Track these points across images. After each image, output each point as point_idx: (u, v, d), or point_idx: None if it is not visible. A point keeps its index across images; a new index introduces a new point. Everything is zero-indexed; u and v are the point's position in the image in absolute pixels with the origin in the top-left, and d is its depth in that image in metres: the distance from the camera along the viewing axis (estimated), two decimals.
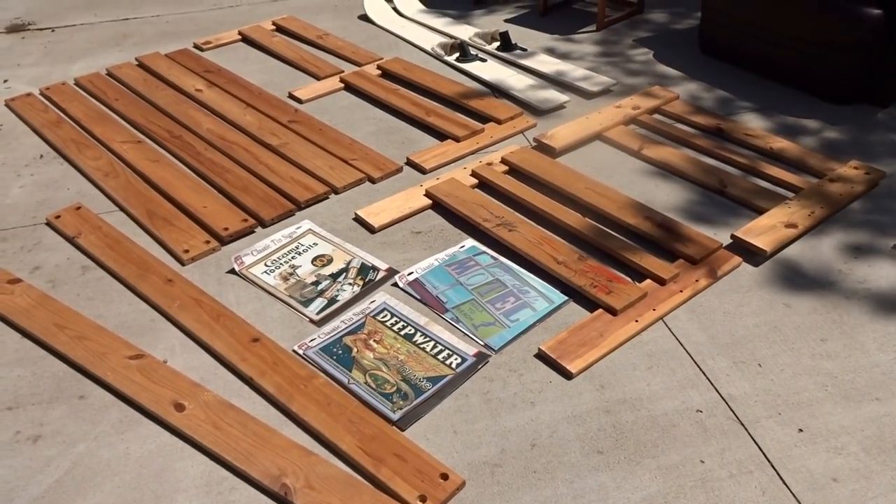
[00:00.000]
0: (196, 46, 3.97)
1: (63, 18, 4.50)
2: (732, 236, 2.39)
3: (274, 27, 4.15)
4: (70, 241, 2.55)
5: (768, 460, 1.75)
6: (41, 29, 4.37)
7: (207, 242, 2.49)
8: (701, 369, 1.99)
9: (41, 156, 3.07)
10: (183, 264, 2.42)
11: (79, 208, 2.68)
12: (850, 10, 2.97)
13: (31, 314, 2.21)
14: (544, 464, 1.75)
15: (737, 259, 2.34)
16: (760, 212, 2.53)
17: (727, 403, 1.89)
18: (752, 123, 3.07)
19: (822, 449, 1.77)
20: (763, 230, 2.39)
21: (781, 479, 1.70)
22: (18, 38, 4.24)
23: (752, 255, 2.35)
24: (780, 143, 2.88)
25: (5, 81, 3.71)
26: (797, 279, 2.28)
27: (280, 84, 3.54)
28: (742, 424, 1.84)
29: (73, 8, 4.67)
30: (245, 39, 4.04)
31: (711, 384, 1.94)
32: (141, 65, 3.75)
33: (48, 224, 2.65)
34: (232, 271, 2.38)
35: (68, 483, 1.76)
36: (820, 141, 2.94)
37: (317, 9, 4.44)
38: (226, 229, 2.52)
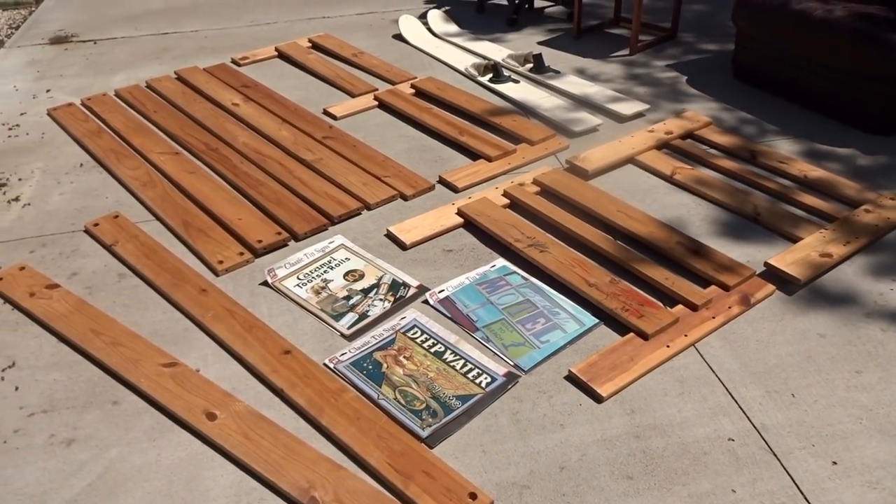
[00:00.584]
0: (233, 61, 4.04)
1: (105, 31, 4.62)
2: (766, 264, 2.38)
3: (310, 44, 4.22)
4: (107, 248, 2.60)
5: (801, 492, 1.72)
6: (84, 41, 4.48)
7: (241, 254, 2.52)
8: (733, 397, 1.97)
9: (81, 164, 3.14)
10: (217, 275, 2.46)
11: (116, 217, 2.73)
12: (886, 40, 2.96)
13: (69, 319, 2.25)
14: (573, 487, 1.74)
15: (770, 287, 2.32)
16: (794, 240, 2.51)
17: (759, 433, 1.87)
18: (786, 151, 3.05)
19: (856, 483, 1.74)
20: (797, 259, 2.37)
21: None
22: (62, 50, 4.35)
23: (785, 283, 2.34)
24: (814, 172, 2.86)
25: (48, 91, 3.81)
26: (832, 309, 2.26)
27: (315, 100, 3.59)
28: (774, 455, 1.81)
29: (115, 21, 4.79)
30: (281, 56, 4.11)
31: (744, 413, 1.93)
32: (180, 78, 3.83)
33: (86, 231, 2.70)
34: (265, 283, 2.41)
35: (100, 487, 1.78)
36: (854, 170, 2.92)
37: (352, 27, 4.51)
38: (259, 242, 2.56)
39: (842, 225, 2.54)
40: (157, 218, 2.75)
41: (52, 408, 2.00)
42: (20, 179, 3.05)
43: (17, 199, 2.91)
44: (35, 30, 4.71)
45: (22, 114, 3.58)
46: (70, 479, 1.80)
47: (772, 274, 2.36)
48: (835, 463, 1.79)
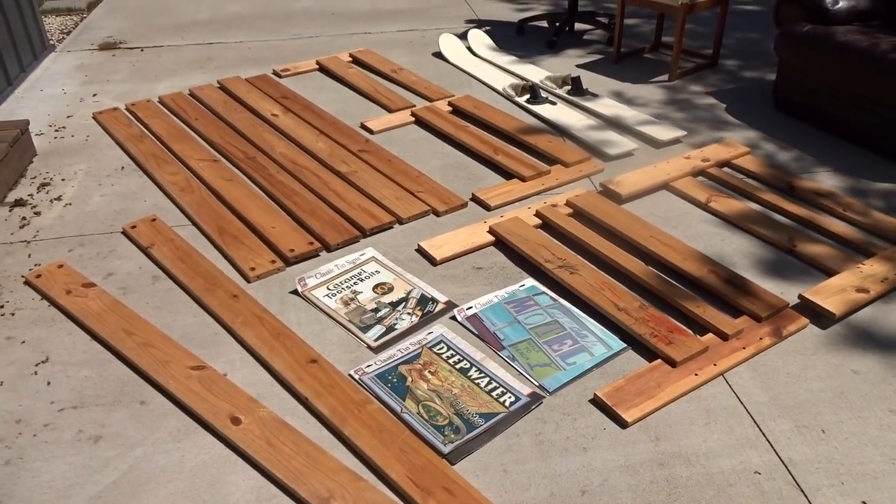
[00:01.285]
0: (275, 73, 4.12)
1: (152, 39, 4.74)
2: (800, 296, 2.34)
3: (350, 59, 4.28)
4: (143, 250, 2.65)
5: None
6: (131, 48, 4.60)
7: (273, 262, 2.55)
8: (761, 430, 1.93)
9: (122, 167, 3.21)
10: (248, 281, 2.49)
11: (154, 220, 2.79)
12: None
13: (102, 318, 2.30)
14: None
15: (803, 320, 2.28)
16: (830, 273, 2.47)
17: (787, 468, 1.83)
18: (826, 184, 3.01)
19: None
20: (833, 293, 2.33)
21: None
22: (109, 56, 4.47)
23: (819, 317, 2.29)
24: (853, 205, 2.81)
25: (94, 95, 3.91)
26: (867, 346, 2.21)
27: (353, 114, 3.64)
28: (802, 491, 1.77)
29: (162, 30, 4.91)
30: (322, 69, 4.18)
31: (771, 446, 1.89)
32: (222, 87, 3.90)
33: (124, 233, 2.76)
34: (295, 292, 2.43)
35: (124, 485, 1.80)
36: (895, 206, 2.87)
37: (393, 44, 4.57)
38: (292, 251, 2.59)
39: (879, 261, 2.50)
40: (193, 223, 2.79)
41: (81, 404, 2.04)
42: (63, 180, 3.13)
43: (59, 199, 2.98)
44: (85, 36, 4.85)
45: (68, 116, 3.69)
46: (95, 476, 1.83)
47: (806, 307, 2.32)
48: (864, 503, 1.74)
